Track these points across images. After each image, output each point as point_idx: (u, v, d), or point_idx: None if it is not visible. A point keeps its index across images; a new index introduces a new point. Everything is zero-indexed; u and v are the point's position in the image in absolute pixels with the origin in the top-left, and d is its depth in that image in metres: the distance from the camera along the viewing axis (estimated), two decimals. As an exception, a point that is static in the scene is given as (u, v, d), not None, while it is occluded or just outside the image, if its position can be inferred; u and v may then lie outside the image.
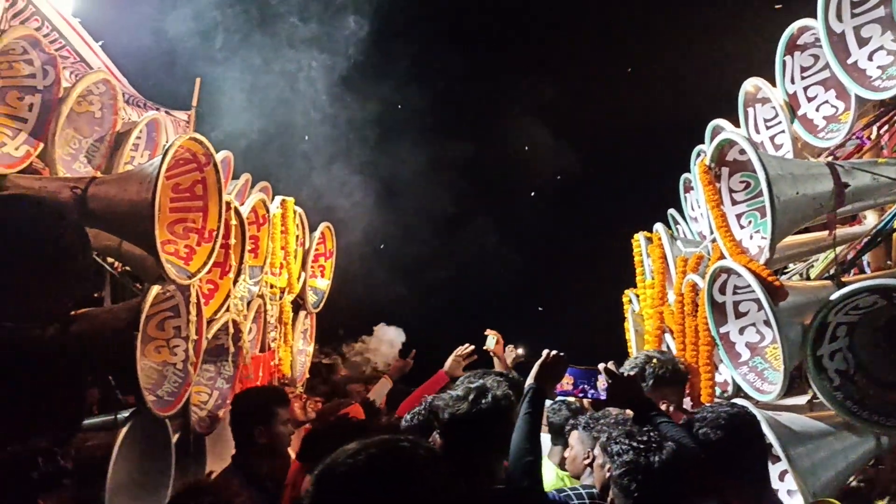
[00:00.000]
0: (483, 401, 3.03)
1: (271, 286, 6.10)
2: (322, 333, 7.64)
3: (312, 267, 7.20)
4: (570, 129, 10.65)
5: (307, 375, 7.21)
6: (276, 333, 6.25)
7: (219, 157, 6.01)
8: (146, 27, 7.55)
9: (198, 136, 4.35)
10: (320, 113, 9.43)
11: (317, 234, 7.14)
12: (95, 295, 4.99)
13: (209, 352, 5.07)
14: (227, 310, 5.12)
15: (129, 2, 7.24)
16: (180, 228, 4.45)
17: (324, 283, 7.45)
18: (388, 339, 7.52)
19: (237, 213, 5.09)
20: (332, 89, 9.38)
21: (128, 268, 5.02)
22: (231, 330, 5.20)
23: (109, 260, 4.89)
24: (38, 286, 3.99)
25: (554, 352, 3.21)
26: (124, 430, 4.08)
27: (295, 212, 6.57)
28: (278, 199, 6.38)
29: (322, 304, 7.45)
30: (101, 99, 4.79)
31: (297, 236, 6.67)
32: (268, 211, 5.99)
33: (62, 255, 3.99)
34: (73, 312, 4.16)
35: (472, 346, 5.15)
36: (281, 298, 6.35)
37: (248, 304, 5.66)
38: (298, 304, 7.02)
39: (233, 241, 4.98)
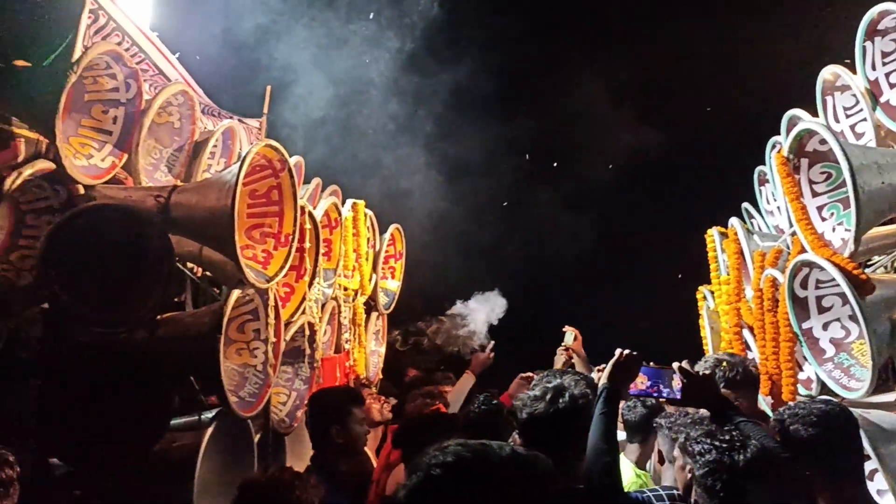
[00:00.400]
0: (560, 400, 3.04)
1: (344, 288, 6.20)
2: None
3: (383, 268, 7.29)
4: (640, 122, 10.46)
5: (380, 376, 7.30)
6: (350, 335, 6.34)
7: (290, 161, 6.19)
8: (216, 37, 7.75)
9: (273, 143, 4.45)
10: (386, 110, 9.54)
11: (387, 235, 7.23)
12: (177, 299, 5.17)
13: (286, 354, 5.17)
14: (303, 312, 5.23)
15: (200, 15, 7.43)
16: (257, 233, 4.56)
17: (394, 285, 7.53)
18: (480, 309, 6.50)
19: (311, 216, 5.18)
20: (397, 84, 9.48)
21: (208, 273, 5.17)
22: (307, 332, 5.30)
23: (189, 265, 5.05)
24: (126, 292, 4.16)
25: (627, 351, 3.18)
26: (210, 430, 4.20)
27: (366, 214, 6.66)
28: (349, 202, 6.48)
29: (393, 305, 7.53)
30: (180, 110, 4.96)
31: (368, 238, 6.76)
32: (340, 214, 6.09)
33: (148, 262, 4.15)
34: (158, 317, 4.32)
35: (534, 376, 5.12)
36: (354, 300, 6.45)
37: (322, 306, 5.76)
38: (370, 306, 7.11)
39: (307, 244, 5.08)
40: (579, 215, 10.42)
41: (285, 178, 4.56)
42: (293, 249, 4.61)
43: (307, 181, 6.63)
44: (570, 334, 5.62)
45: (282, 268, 4.53)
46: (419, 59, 9.41)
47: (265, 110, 6.61)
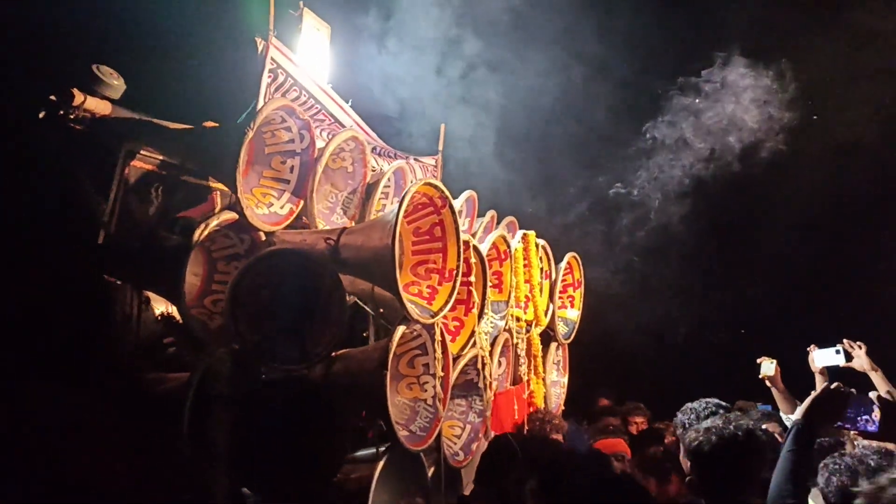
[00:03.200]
0: (723, 435, 2.87)
1: (518, 319, 6.17)
2: (575, 364, 7.55)
3: (561, 298, 7.16)
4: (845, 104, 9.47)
5: (563, 407, 7.17)
6: (526, 366, 6.28)
7: (464, 196, 6.29)
8: (391, 79, 8.08)
9: (432, 181, 4.56)
10: (563, 139, 9.44)
11: (563, 264, 7.11)
12: (364, 334, 5.42)
13: (460, 387, 5.23)
14: (474, 345, 5.26)
15: (374, 67, 7.75)
16: (422, 270, 4.68)
17: (574, 314, 7.37)
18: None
19: (476, 250, 5.23)
20: (573, 120, 9.35)
21: (382, 310, 5.37)
22: (480, 365, 5.33)
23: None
24: (303, 331, 4.43)
25: (836, 384, 2.89)
26: (381, 464, 4.33)
27: (537, 245, 6.60)
28: (520, 233, 6.47)
29: (573, 335, 7.38)
30: (352, 154, 5.22)
31: (542, 268, 6.69)
32: (509, 246, 6.08)
33: (321, 302, 4.40)
34: (333, 353, 4.55)
35: None
36: (528, 331, 6.39)
37: (495, 338, 5.77)
38: (549, 336, 7.02)
39: (473, 278, 5.12)
40: (785, 227, 9.63)
41: (447, 214, 4.65)
42: (457, 284, 4.67)
43: (482, 214, 6.72)
44: (770, 364, 5.19)
45: (446, 303, 4.60)
46: (595, 86, 9.20)
47: (440, 147, 6.82)
